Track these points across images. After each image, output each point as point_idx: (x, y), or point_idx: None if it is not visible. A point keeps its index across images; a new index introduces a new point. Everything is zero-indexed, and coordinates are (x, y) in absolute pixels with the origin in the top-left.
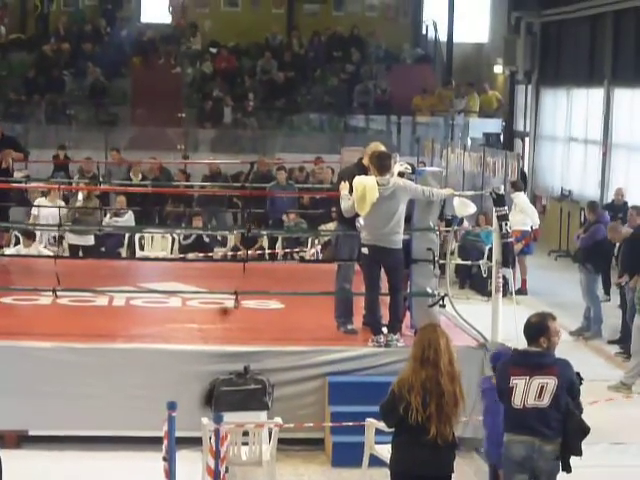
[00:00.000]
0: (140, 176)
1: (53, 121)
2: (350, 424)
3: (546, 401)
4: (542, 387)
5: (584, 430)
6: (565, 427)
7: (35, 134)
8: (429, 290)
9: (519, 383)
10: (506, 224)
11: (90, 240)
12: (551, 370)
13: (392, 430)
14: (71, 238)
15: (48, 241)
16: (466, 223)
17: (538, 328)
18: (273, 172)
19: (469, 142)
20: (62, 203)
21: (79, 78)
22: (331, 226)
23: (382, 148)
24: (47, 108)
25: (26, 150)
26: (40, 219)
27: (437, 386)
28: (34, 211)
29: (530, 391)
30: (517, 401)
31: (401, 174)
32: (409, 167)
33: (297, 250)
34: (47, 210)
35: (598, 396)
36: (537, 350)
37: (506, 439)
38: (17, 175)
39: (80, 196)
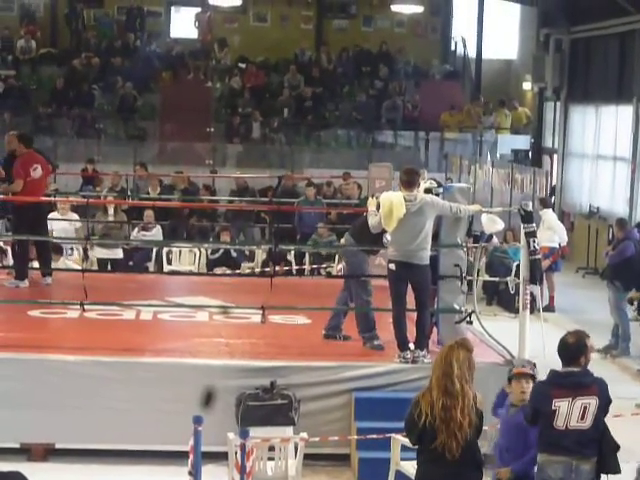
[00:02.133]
0: (158, 190)
1: (82, 135)
2: (375, 436)
3: (588, 422)
4: (585, 408)
5: (617, 447)
6: (601, 446)
7: (64, 148)
8: (456, 306)
9: (562, 405)
10: (534, 241)
11: (119, 254)
12: (592, 390)
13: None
14: (100, 252)
15: (67, 253)
16: (495, 240)
17: (578, 348)
18: (301, 187)
19: (497, 158)
20: (75, 216)
21: (108, 92)
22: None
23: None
24: (76, 122)
25: (54, 164)
26: (54, 233)
27: (446, 411)
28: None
29: (573, 412)
30: (559, 423)
31: (428, 190)
32: (434, 182)
33: (324, 266)
34: (60, 224)
35: (626, 414)
36: (579, 370)
37: (541, 460)
38: None
39: (111, 211)
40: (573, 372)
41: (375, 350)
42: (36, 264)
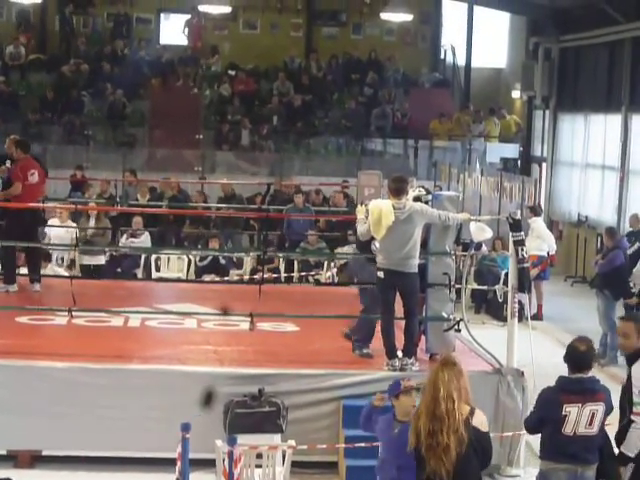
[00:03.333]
0: (147, 197)
1: (71, 141)
2: (363, 445)
3: (595, 429)
4: (593, 414)
5: (614, 454)
6: (602, 452)
7: (53, 154)
8: (445, 314)
9: (572, 411)
10: (522, 249)
11: (101, 260)
12: (600, 396)
13: None
14: (82, 258)
15: (57, 262)
16: (484, 248)
17: (590, 355)
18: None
19: (487, 166)
20: (73, 224)
21: (97, 99)
22: (347, 249)
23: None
24: (65, 128)
25: (46, 169)
26: (52, 240)
27: (433, 437)
28: (47, 231)
29: (582, 419)
30: (568, 429)
31: (417, 198)
32: (423, 190)
33: (313, 273)
34: (56, 231)
35: (614, 422)
36: (590, 377)
37: (545, 467)
38: None
39: (93, 218)
40: (583, 378)
41: (363, 357)
42: (24, 270)
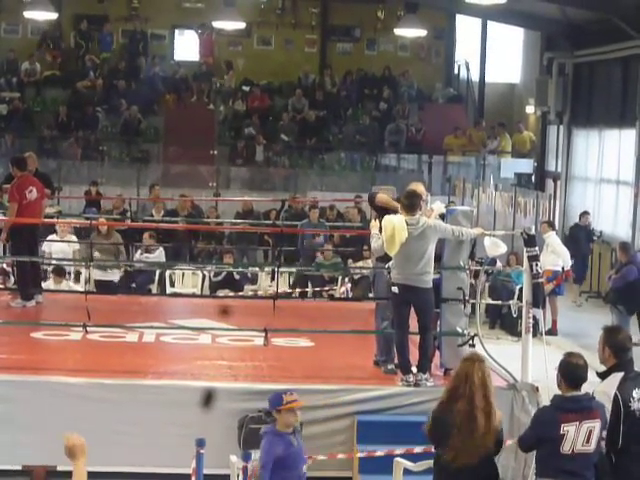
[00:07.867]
0: (162, 212)
1: (86, 157)
2: (380, 454)
3: (593, 446)
4: (590, 432)
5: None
6: (597, 468)
7: (68, 170)
8: (459, 329)
9: (570, 430)
10: (537, 264)
11: (113, 276)
12: (596, 413)
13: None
14: (95, 274)
15: (73, 278)
16: (499, 263)
17: (586, 369)
18: (306, 210)
19: (501, 182)
20: (74, 239)
21: (112, 115)
22: (361, 265)
23: (422, 188)
24: (80, 144)
25: (53, 187)
26: (52, 255)
27: (470, 422)
28: (45, 248)
29: (579, 436)
30: (566, 447)
31: (443, 215)
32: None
33: (327, 289)
34: (58, 246)
35: None
36: (585, 394)
37: None
38: (49, 211)
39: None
40: (579, 397)
41: (388, 374)
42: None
